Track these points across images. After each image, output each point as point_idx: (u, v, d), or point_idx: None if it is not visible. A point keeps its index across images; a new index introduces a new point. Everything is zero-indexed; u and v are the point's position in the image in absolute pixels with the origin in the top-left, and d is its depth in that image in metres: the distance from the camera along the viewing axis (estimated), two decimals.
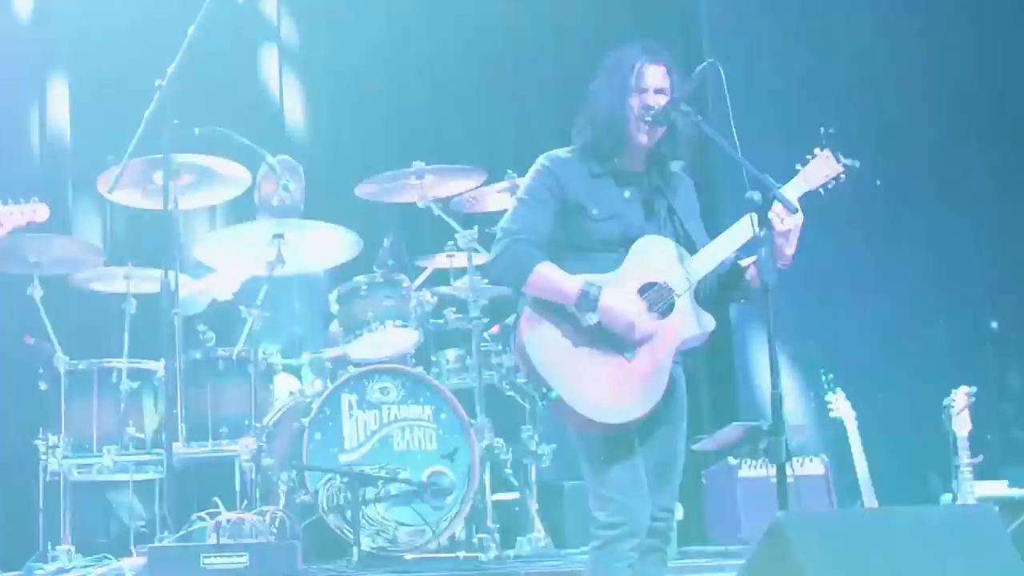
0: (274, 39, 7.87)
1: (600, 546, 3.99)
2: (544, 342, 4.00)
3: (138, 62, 7.14)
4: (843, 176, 4.16)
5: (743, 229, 4.08)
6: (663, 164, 4.22)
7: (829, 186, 4.16)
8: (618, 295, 3.98)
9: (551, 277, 4.01)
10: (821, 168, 4.16)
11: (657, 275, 4.07)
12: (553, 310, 4.02)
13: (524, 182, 4.18)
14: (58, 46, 7.05)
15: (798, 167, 4.15)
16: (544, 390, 3.96)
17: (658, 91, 4.11)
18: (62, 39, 7.06)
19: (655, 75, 4.12)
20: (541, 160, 4.20)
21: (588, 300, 3.96)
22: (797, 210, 3.99)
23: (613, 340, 3.99)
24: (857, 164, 4.15)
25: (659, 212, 4.19)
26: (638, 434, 4.04)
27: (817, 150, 4.16)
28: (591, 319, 3.97)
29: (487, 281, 6.16)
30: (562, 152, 4.21)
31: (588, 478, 4.05)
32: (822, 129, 4.15)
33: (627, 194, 4.16)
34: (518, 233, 4.06)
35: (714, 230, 4.23)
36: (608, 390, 3.97)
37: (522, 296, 4.08)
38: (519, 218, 4.10)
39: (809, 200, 4.15)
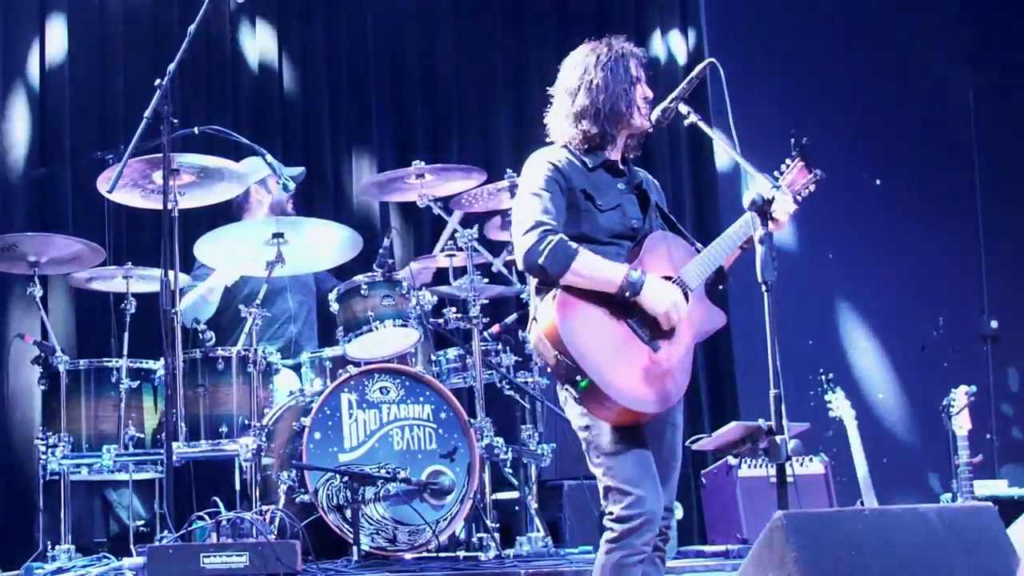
0: (275, 37, 7.86)
1: (614, 539, 3.95)
2: (578, 328, 3.97)
3: (138, 61, 7.17)
4: (813, 187, 4.22)
5: (745, 226, 4.12)
6: (633, 160, 4.31)
7: (803, 194, 4.22)
8: (661, 282, 4.01)
9: (595, 264, 4.00)
10: (796, 177, 4.22)
11: (672, 270, 4.12)
12: (586, 297, 4.01)
13: (530, 179, 4.13)
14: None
15: (776, 174, 4.18)
16: (577, 378, 3.93)
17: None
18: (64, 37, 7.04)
19: (641, 67, 4.25)
20: (540, 157, 4.19)
21: (633, 285, 3.97)
22: (797, 207, 4.05)
23: (642, 330, 4.01)
24: (824, 176, 4.22)
25: (649, 204, 4.25)
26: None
27: (789, 160, 4.21)
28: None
29: (487, 280, 6.17)
30: (554, 149, 4.23)
31: (600, 473, 4.01)
32: (793, 139, 4.19)
33: (621, 186, 4.22)
34: (548, 224, 4.02)
35: (714, 230, 4.24)
36: (641, 380, 3.97)
37: (544, 289, 4.05)
38: (543, 211, 4.05)
39: (806, 200, 4.18)
